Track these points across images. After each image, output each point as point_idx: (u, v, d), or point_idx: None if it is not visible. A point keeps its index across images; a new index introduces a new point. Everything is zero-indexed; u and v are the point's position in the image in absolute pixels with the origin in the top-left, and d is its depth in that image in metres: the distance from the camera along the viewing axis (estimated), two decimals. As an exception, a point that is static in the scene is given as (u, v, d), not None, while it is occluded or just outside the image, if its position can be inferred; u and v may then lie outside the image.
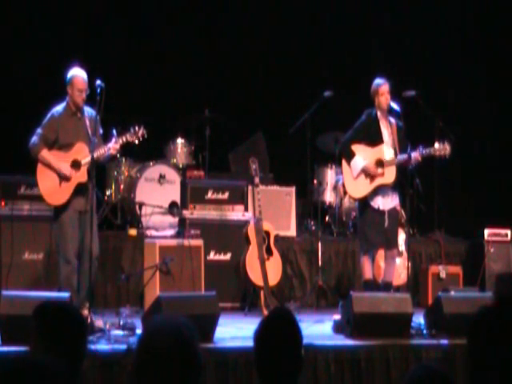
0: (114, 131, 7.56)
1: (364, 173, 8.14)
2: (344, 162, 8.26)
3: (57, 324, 3.14)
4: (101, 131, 7.61)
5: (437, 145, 8.13)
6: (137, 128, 7.54)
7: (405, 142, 8.17)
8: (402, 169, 8.17)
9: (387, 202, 8.17)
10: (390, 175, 8.13)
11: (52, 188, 7.38)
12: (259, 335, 3.35)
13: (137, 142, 7.58)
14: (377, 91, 8.14)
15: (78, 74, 7.37)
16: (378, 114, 8.20)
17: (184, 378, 2.58)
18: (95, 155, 7.29)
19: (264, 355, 3.31)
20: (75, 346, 3.14)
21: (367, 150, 8.18)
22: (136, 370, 2.60)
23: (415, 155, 8.03)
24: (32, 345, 3.13)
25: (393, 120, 8.26)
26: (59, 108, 7.46)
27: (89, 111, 7.44)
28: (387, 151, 8.18)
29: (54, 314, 3.19)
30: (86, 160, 7.33)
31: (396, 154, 8.15)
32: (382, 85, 8.13)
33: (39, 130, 7.40)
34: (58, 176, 7.37)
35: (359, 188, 8.17)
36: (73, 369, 3.09)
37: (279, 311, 3.58)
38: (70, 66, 7.49)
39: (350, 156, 8.18)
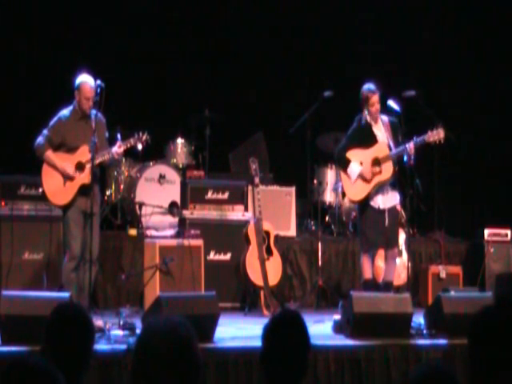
0: (119, 135, 7.66)
1: (361, 177, 8.14)
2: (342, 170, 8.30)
3: (72, 328, 3.18)
4: (106, 134, 7.68)
5: (429, 132, 8.09)
6: (141, 134, 7.63)
7: (400, 135, 8.14)
8: (400, 165, 8.15)
9: (387, 201, 8.17)
10: (387, 171, 8.13)
11: (56, 188, 7.47)
12: (269, 335, 3.36)
13: (140, 147, 7.69)
14: (368, 100, 8.06)
15: (86, 81, 7.41)
16: (368, 118, 8.17)
17: (182, 378, 2.58)
18: (99, 160, 7.42)
19: (272, 355, 3.31)
20: (83, 353, 3.17)
21: (363, 152, 8.17)
22: (134, 371, 2.61)
23: (409, 145, 7.99)
24: (43, 345, 3.17)
25: (384, 118, 8.24)
26: (66, 112, 7.55)
27: (97, 115, 7.47)
28: (382, 148, 8.17)
29: (72, 318, 3.22)
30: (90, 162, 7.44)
31: (390, 149, 8.15)
32: (373, 95, 8.06)
33: (45, 132, 7.50)
34: (62, 176, 7.45)
35: (359, 191, 8.17)
36: (76, 375, 3.11)
37: (289, 312, 3.59)
38: (78, 71, 7.52)
39: (345, 164, 8.19)
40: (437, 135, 8.05)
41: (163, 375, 2.57)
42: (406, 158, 7.98)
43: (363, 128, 8.18)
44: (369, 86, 8.11)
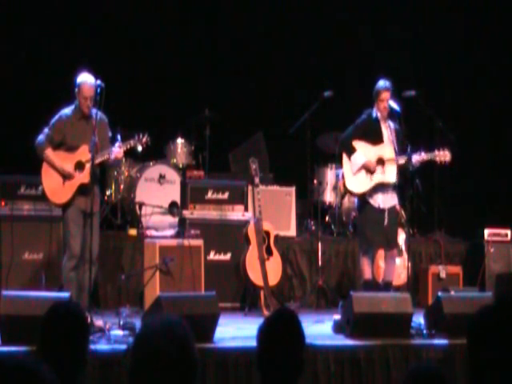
0: (119, 136, 7.65)
1: (364, 169, 8.13)
2: (344, 157, 8.25)
3: (66, 326, 3.18)
4: (109, 134, 7.68)
5: (437, 151, 8.13)
6: (141, 135, 7.63)
7: (404, 143, 8.16)
8: (402, 170, 8.16)
9: (387, 201, 8.17)
10: (390, 174, 8.13)
11: (55, 187, 7.47)
12: (262, 334, 3.36)
13: (140, 148, 7.70)
14: (378, 95, 8.11)
15: (85, 80, 7.40)
16: (379, 115, 8.21)
17: (179, 377, 2.58)
18: (99, 159, 7.42)
19: (266, 355, 3.31)
20: (78, 350, 3.17)
21: (368, 147, 8.18)
22: (131, 371, 2.61)
23: (416, 158, 8.01)
24: (38, 346, 3.17)
25: (391, 123, 8.27)
26: (67, 111, 7.54)
27: (99, 114, 7.46)
28: (388, 150, 8.18)
29: (65, 316, 3.22)
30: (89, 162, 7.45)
31: (396, 154, 8.16)
32: (384, 91, 8.09)
33: (46, 130, 7.51)
34: (61, 175, 7.45)
35: (359, 183, 8.16)
36: (72, 374, 3.11)
37: (283, 312, 3.59)
38: (79, 71, 7.50)
39: (351, 151, 8.18)
40: (443, 157, 8.10)
41: (160, 375, 2.57)
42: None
43: (373, 122, 8.18)
44: (383, 83, 8.14)
